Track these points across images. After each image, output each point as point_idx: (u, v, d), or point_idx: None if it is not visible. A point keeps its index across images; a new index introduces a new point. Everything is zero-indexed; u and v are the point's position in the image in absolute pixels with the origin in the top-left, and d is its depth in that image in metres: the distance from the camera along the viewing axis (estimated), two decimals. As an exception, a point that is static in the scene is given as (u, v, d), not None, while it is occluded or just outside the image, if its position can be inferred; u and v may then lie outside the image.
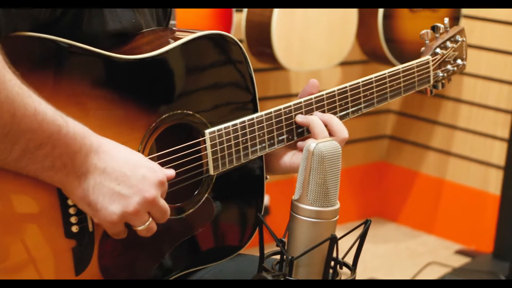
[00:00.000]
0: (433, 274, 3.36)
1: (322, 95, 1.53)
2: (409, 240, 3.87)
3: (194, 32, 1.42)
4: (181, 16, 2.67)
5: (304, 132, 1.52)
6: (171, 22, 2.44)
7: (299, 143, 1.50)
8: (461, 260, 3.56)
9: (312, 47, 3.17)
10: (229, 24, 2.97)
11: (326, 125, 1.49)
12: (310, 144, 1.21)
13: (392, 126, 4.06)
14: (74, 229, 1.26)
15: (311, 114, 1.49)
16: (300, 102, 1.50)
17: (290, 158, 1.52)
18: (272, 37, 3.04)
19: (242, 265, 1.47)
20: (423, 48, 1.69)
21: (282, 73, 3.56)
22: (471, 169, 3.76)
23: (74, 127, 1.20)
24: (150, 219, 1.27)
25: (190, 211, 1.41)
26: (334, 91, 1.54)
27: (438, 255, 3.66)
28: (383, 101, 1.61)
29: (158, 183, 1.26)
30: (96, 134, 1.25)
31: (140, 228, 1.27)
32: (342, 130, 1.48)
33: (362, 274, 3.43)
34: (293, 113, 1.49)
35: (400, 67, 1.62)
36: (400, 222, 4.04)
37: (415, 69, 1.65)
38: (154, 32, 1.44)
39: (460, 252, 3.70)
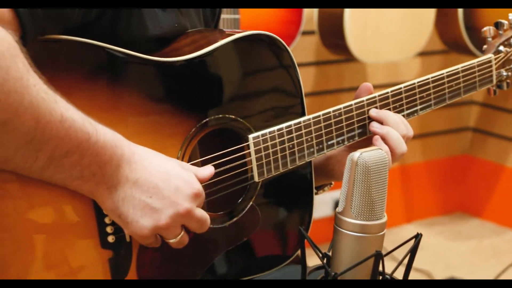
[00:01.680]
0: (518, 273, 3.23)
1: (375, 97, 1.45)
2: (493, 237, 3.72)
3: (239, 33, 1.35)
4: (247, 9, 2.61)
5: (356, 136, 1.44)
6: (235, 16, 2.39)
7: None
8: (549, 259, 3.41)
9: (387, 37, 3.06)
10: (299, 15, 2.89)
11: (383, 139, 1.41)
12: (354, 153, 1.13)
13: (476, 118, 3.92)
14: (111, 239, 1.22)
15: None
16: (351, 105, 1.43)
17: None
18: (345, 28, 2.95)
19: (288, 276, 1.40)
20: (485, 46, 1.59)
21: (359, 65, 3.46)
22: (560, 163, 3.60)
23: (104, 135, 1.15)
24: (183, 232, 1.22)
25: (234, 219, 1.35)
26: (388, 92, 1.46)
27: (525, 253, 3.52)
28: (441, 103, 1.52)
29: (192, 195, 1.20)
30: (129, 142, 1.19)
31: (171, 241, 1.21)
32: (399, 145, 1.40)
33: (442, 273, 3.32)
34: (343, 116, 1.41)
35: (459, 66, 1.53)
36: (484, 217, 3.90)
37: (476, 68, 1.55)
38: (197, 33, 1.38)
39: (548, 250, 3.54)
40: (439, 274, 3.30)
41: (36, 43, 1.15)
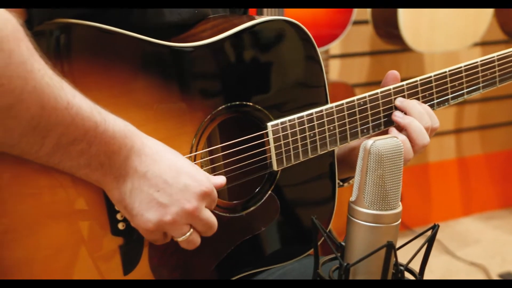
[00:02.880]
0: None
1: (403, 85, 1.40)
2: (555, 232, 3.61)
3: (260, 19, 1.32)
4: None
5: (382, 125, 1.40)
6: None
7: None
8: None
9: (442, 27, 2.98)
10: (351, 4, 2.84)
11: (405, 129, 1.36)
12: (367, 141, 1.10)
13: (539, 110, 3.79)
14: (121, 226, 1.21)
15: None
16: (377, 93, 1.39)
17: None
18: (399, 16, 2.88)
19: (307, 267, 1.37)
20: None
21: (415, 55, 3.38)
22: None
23: (114, 125, 1.13)
24: (191, 231, 1.19)
25: (252, 208, 1.33)
26: (416, 80, 1.41)
27: None
28: (474, 92, 1.46)
29: (201, 194, 1.17)
30: (142, 133, 1.17)
31: (179, 239, 1.19)
32: (421, 136, 1.35)
33: (498, 268, 3.22)
34: (368, 105, 1.37)
35: (495, 54, 1.47)
36: (547, 213, 3.78)
37: None
38: (218, 19, 1.36)
39: None
40: (495, 269, 3.20)
41: (52, 25, 1.14)
